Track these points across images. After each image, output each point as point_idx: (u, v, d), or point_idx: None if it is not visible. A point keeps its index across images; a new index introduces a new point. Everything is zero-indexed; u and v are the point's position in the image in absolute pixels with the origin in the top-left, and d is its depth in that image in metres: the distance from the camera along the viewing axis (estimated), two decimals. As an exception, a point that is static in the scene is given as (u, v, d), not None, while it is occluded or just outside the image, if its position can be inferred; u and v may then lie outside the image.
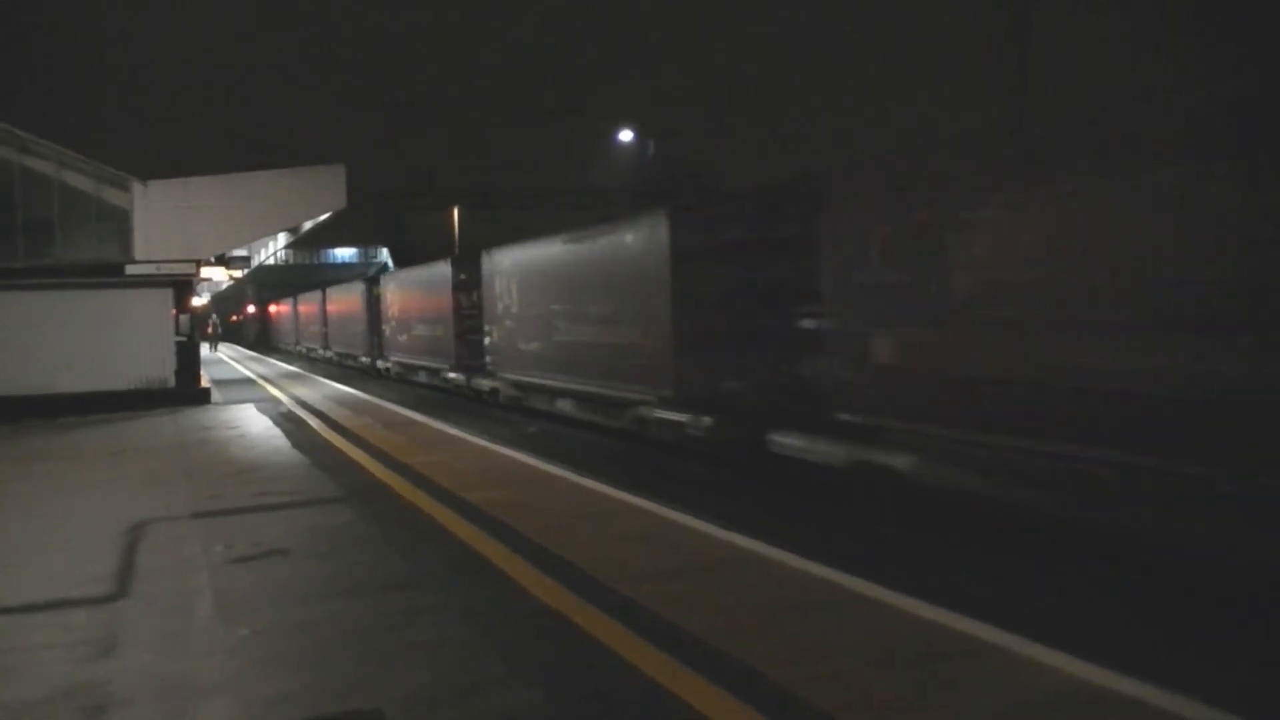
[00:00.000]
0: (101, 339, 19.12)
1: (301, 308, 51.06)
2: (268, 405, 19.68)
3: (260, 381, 27.76)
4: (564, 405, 17.93)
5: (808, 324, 11.10)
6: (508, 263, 20.56)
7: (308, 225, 28.24)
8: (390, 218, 60.45)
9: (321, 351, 43.95)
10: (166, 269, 19.62)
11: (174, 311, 19.91)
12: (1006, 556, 8.51)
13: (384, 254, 79.53)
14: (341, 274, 65.22)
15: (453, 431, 14.45)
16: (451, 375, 24.53)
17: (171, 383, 19.76)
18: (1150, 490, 7.20)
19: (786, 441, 11.37)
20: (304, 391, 23.42)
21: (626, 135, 45.72)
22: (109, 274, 19.38)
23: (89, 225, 19.65)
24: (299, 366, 38.27)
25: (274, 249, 71.96)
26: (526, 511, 8.36)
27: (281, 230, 29.42)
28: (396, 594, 6.20)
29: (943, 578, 7.39)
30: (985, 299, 8.78)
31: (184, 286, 20.22)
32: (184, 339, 20.12)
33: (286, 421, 16.60)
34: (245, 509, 9.21)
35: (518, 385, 20.19)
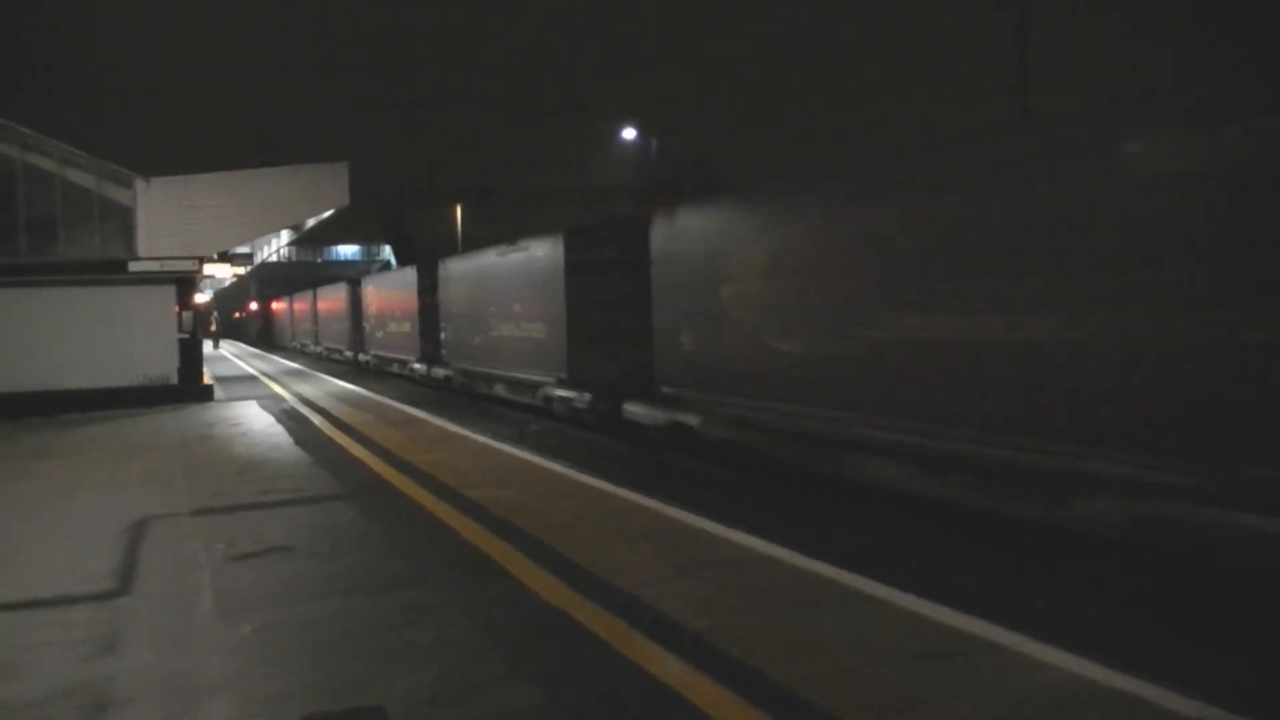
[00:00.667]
0: (104, 336, 19.14)
1: (296, 305, 57.06)
2: (270, 402, 19.70)
3: (262, 378, 27.79)
4: (499, 388, 22.06)
5: (646, 323, 14.72)
6: (458, 270, 25.06)
7: (310, 223, 28.26)
8: (392, 216, 60.50)
9: (313, 346, 48.31)
10: (169, 266, 19.63)
11: (176, 308, 19.92)
12: (1007, 556, 8.51)
13: (387, 251, 79.60)
14: (344, 271, 65.29)
15: (454, 429, 14.46)
16: (416, 366, 28.66)
17: (174, 380, 19.78)
18: (818, 430, 11.13)
19: (632, 409, 15.14)
20: (306, 389, 23.44)
21: (629, 133, 45.74)
22: (111, 271, 19.40)
23: (92, 222, 19.66)
24: (300, 363, 38.31)
25: (277, 246, 72.01)
26: (528, 510, 8.36)
27: (284, 228, 29.38)
28: (398, 592, 6.20)
29: (944, 576, 7.40)
30: (736, 305, 12.72)
31: (186, 284, 20.22)
32: (186, 336, 20.13)
33: (288, 419, 16.60)
34: (247, 506, 9.22)
35: (465, 373, 24.34)
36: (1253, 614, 6.41)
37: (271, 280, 74.98)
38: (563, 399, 17.59)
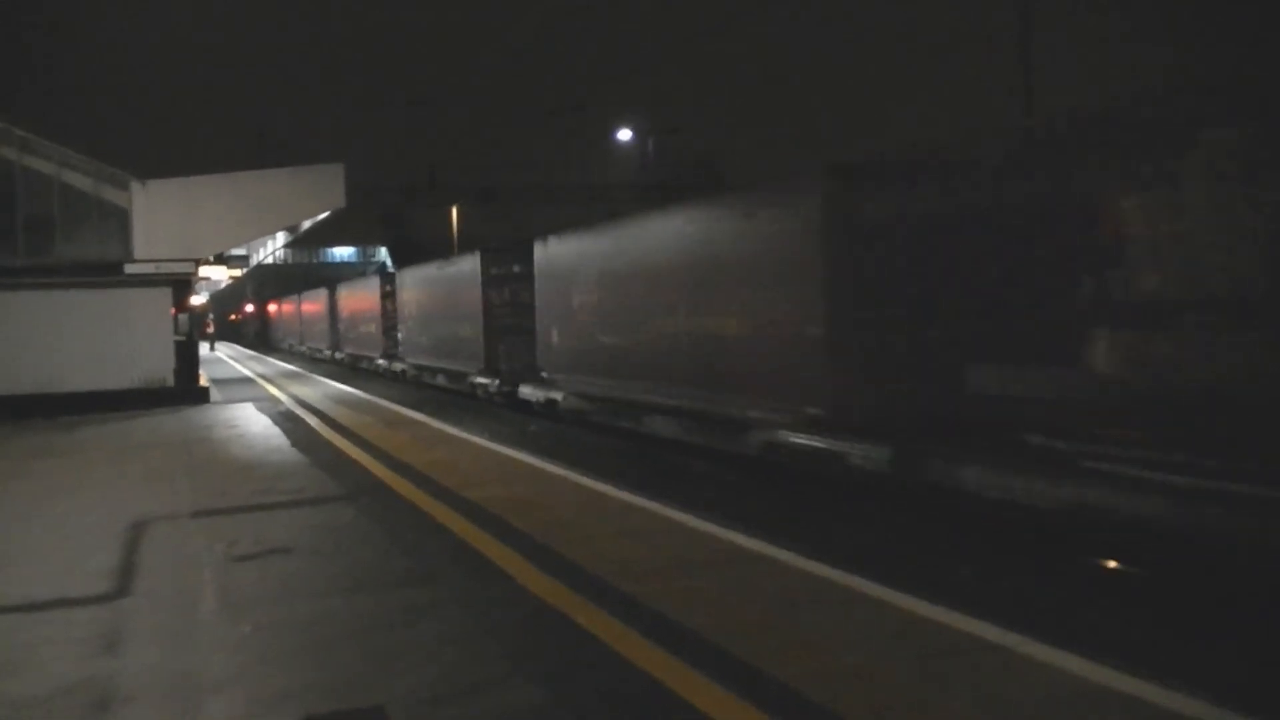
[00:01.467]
0: (101, 338, 19.13)
1: (285, 307, 60.76)
2: (266, 404, 19.70)
3: (258, 380, 27.78)
4: (440, 379, 26.69)
5: (533, 324, 19.90)
6: (409, 279, 30.17)
7: (306, 224, 28.26)
8: (392, 215, 60.51)
9: (298, 346, 52.91)
10: (165, 268, 19.63)
11: (173, 310, 19.91)
12: (1007, 554, 8.53)
13: (383, 253, 79.58)
14: (340, 273, 65.35)
15: (453, 431, 14.47)
16: (380, 361, 33.49)
17: (170, 381, 19.77)
18: (627, 398, 15.75)
19: (524, 390, 20.28)
20: (302, 390, 23.44)
21: (625, 134, 45.77)
22: (108, 273, 19.39)
23: (89, 224, 19.65)
24: (296, 365, 38.28)
25: (273, 248, 71.94)
26: (527, 510, 8.37)
27: (280, 229, 29.37)
28: (398, 592, 6.21)
29: (943, 575, 7.41)
30: (581, 311, 17.50)
31: (183, 285, 20.22)
32: (183, 338, 20.13)
33: (285, 420, 16.61)
34: (246, 508, 9.22)
35: (417, 366, 29.03)
36: (1253, 612, 6.44)
37: (267, 282, 74.97)
38: (481, 384, 22.84)
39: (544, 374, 19.23)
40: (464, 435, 13.92)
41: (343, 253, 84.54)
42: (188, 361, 20.31)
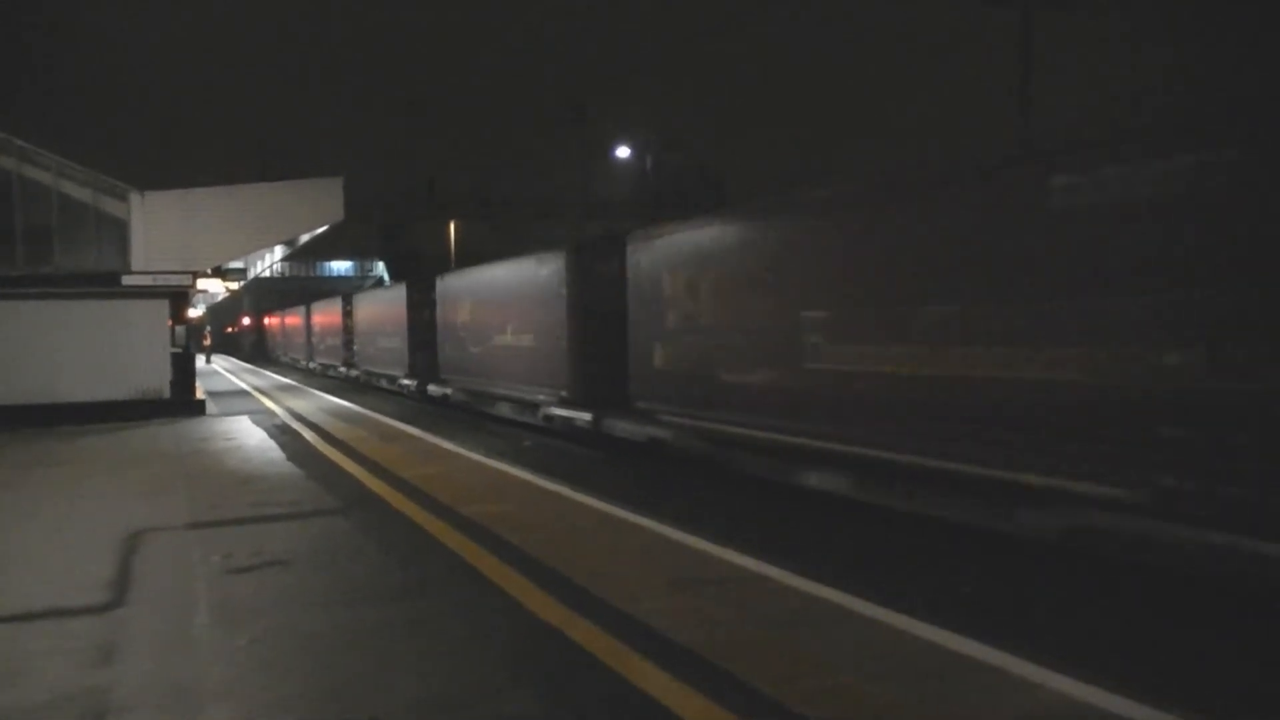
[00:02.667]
0: (98, 349, 19.13)
1: (271, 320, 64.27)
2: (262, 417, 19.70)
3: (255, 393, 27.78)
4: (382, 382, 32.34)
5: (433, 338, 26.28)
6: (360, 301, 37.23)
7: (305, 238, 28.31)
8: (390, 229, 60.57)
9: (281, 356, 56.77)
10: (163, 280, 19.65)
11: (170, 322, 19.93)
12: (1004, 570, 8.56)
13: (380, 267, 79.61)
14: (337, 286, 65.36)
15: (447, 445, 14.48)
16: (341, 369, 38.97)
17: (167, 393, 19.77)
18: (481, 389, 22.61)
19: (429, 388, 26.41)
20: (298, 404, 23.45)
21: (623, 151, 45.91)
22: (106, 284, 19.40)
23: (87, 235, 19.68)
24: (292, 378, 38.26)
25: (270, 261, 71.93)
26: (522, 526, 8.40)
27: (279, 242, 29.43)
28: (394, 605, 6.23)
29: (942, 592, 7.43)
30: (460, 329, 23.73)
31: (180, 298, 20.24)
32: (180, 350, 20.14)
33: (281, 433, 16.62)
34: (243, 520, 9.24)
35: (367, 373, 34.64)
36: (1255, 633, 6.47)
37: (265, 295, 74.92)
38: (405, 384, 29.04)
39: (442, 375, 25.76)
40: (458, 450, 13.93)
41: (340, 266, 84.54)
42: (184, 373, 20.31)
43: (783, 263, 12.11)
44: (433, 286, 26.65)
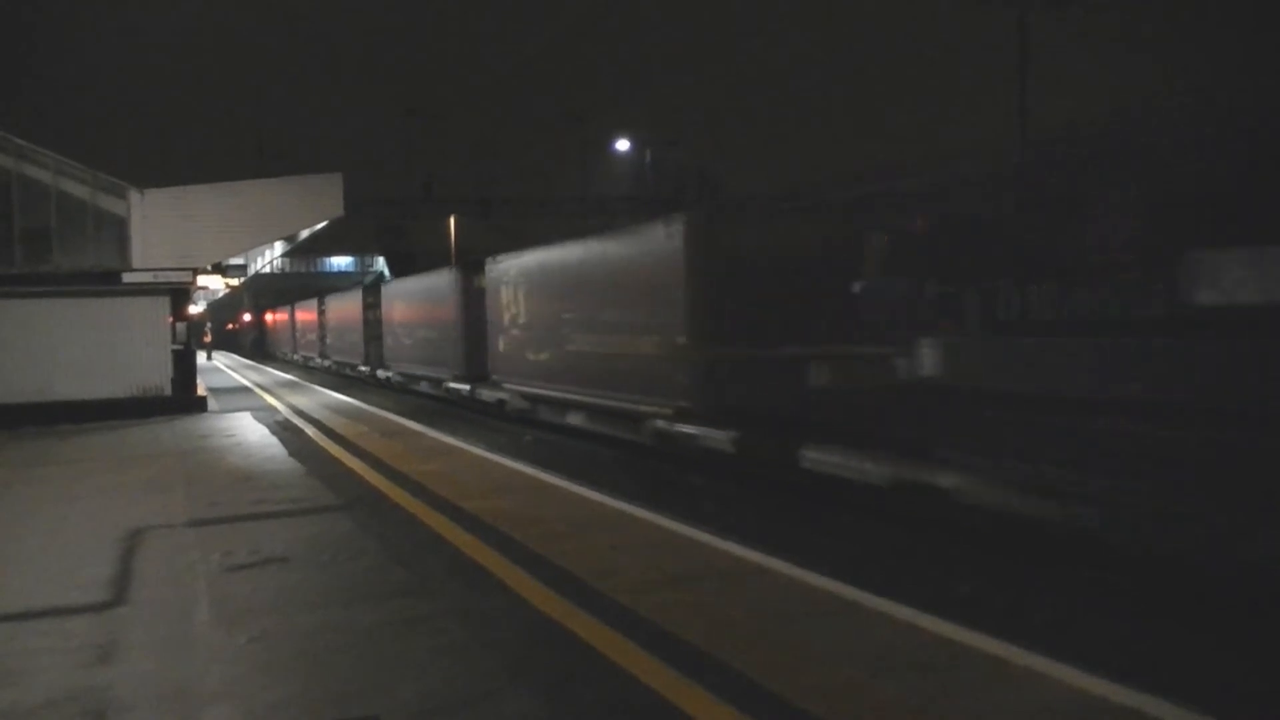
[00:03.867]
0: (98, 346, 19.12)
1: (278, 316, 64.61)
2: (264, 414, 19.68)
3: (256, 389, 27.76)
4: (346, 369, 37.84)
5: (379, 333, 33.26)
6: (330, 302, 42.99)
7: (305, 234, 28.28)
8: (390, 226, 60.53)
9: (290, 354, 56.32)
10: (163, 277, 19.63)
11: (170, 319, 19.90)
12: (1007, 565, 8.53)
13: (380, 263, 79.54)
14: (338, 282, 65.35)
15: (450, 441, 14.46)
16: (316, 359, 45.04)
17: (168, 390, 19.76)
18: (410, 372, 29.74)
19: (379, 373, 32.70)
20: (299, 400, 23.43)
21: (623, 145, 45.82)
22: (106, 282, 19.39)
23: (86, 233, 19.65)
24: (293, 374, 38.30)
25: (270, 257, 71.86)
26: (525, 521, 8.37)
27: (279, 239, 29.41)
28: (396, 602, 6.20)
29: (944, 588, 7.41)
30: (396, 324, 31.11)
31: (181, 294, 20.22)
32: (180, 347, 20.12)
33: (283, 430, 16.59)
34: (243, 517, 9.21)
35: (336, 363, 41.57)
36: (1258, 625, 6.44)
37: (265, 292, 74.89)
38: (361, 370, 35.63)
39: (387, 363, 32.09)
40: (460, 445, 13.91)
41: (340, 262, 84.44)
42: (185, 371, 20.29)
43: (550, 285, 18.77)
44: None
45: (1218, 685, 5.07)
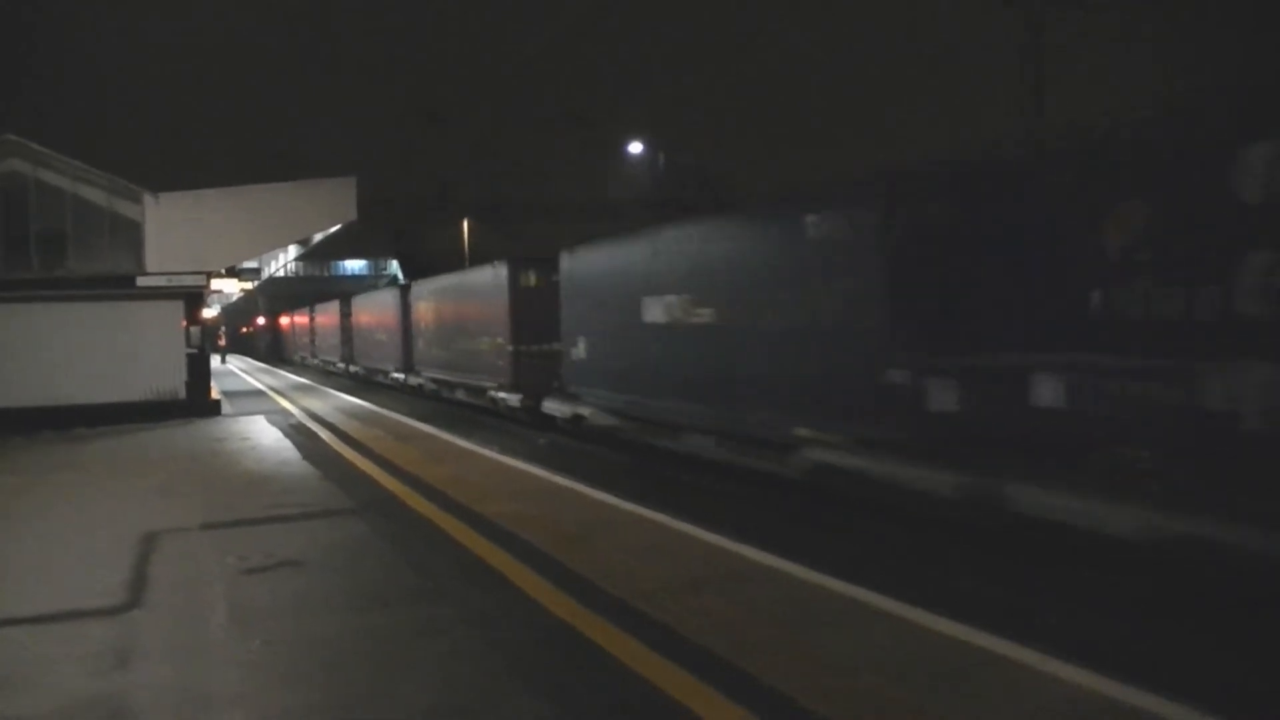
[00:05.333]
0: (113, 351, 19.20)
1: (296, 320, 65.93)
2: (278, 417, 19.73)
3: (270, 393, 27.85)
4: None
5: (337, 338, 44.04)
6: (318, 308, 49.27)
7: (318, 237, 28.43)
8: (403, 229, 60.69)
9: (308, 359, 57.96)
10: (177, 281, 19.70)
11: (184, 323, 19.98)
12: (1013, 566, 8.49)
13: (394, 266, 79.74)
14: (351, 286, 65.55)
15: (463, 444, 14.47)
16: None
17: (182, 394, 19.82)
18: (379, 368, 35.96)
19: (351, 368, 41.13)
20: (313, 403, 23.49)
21: (636, 147, 45.80)
22: (120, 286, 19.46)
23: (101, 238, 19.75)
24: (307, 378, 38.45)
25: (284, 261, 72.12)
26: (538, 525, 8.37)
27: (292, 242, 29.62)
28: (410, 607, 6.20)
29: (948, 584, 7.38)
30: (365, 329, 38.61)
31: (194, 298, 20.29)
32: (194, 351, 20.19)
33: (297, 433, 16.63)
34: (258, 520, 9.23)
35: (323, 361, 47.84)
36: (1258, 625, 6.39)
37: (279, 295, 75.18)
38: (339, 366, 42.56)
39: (356, 359, 40.32)
40: (475, 449, 13.92)
41: (354, 265, 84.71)
42: (199, 374, 20.35)
43: (448, 303, 26.30)
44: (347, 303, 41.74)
45: (1218, 685, 5.03)
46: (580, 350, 17.78)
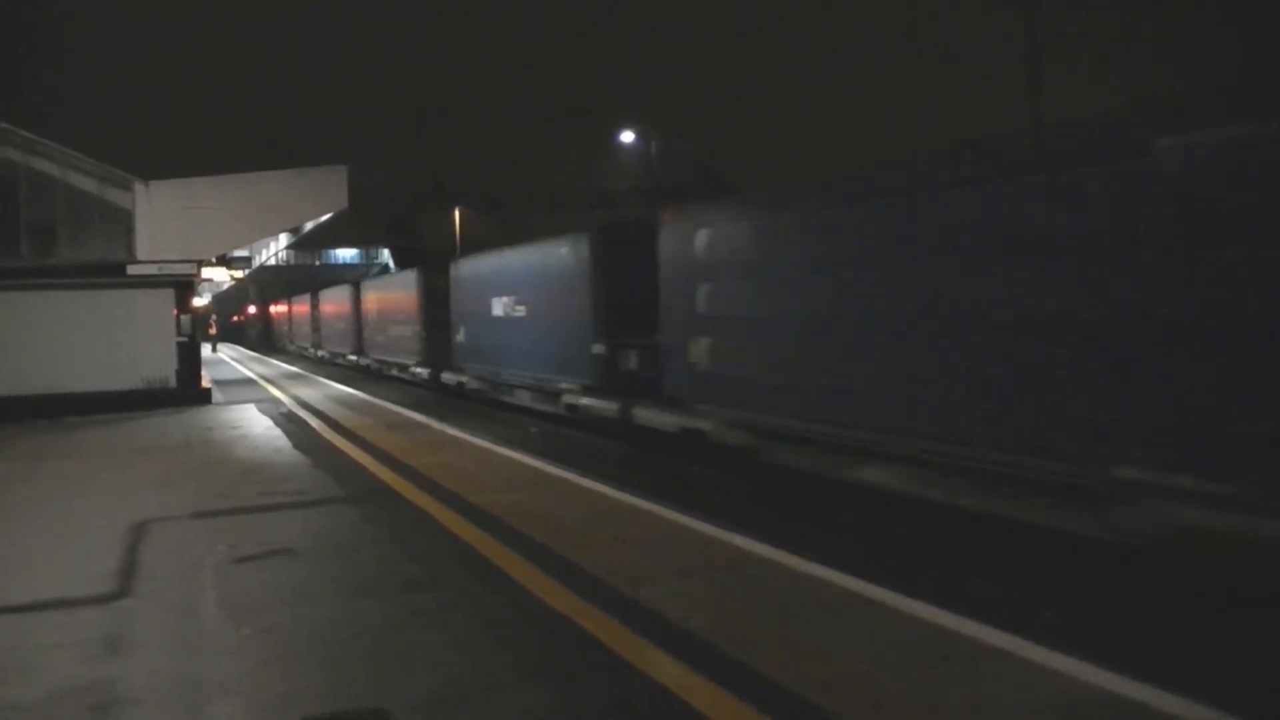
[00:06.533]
0: (103, 339, 19.15)
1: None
2: (269, 405, 19.69)
3: (261, 382, 27.79)
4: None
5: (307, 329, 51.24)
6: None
7: (309, 226, 28.40)
8: (396, 219, 60.57)
9: (309, 350, 58.09)
10: (168, 269, 19.65)
11: (175, 312, 19.92)
12: (1017, 564, 8.52)
13: (385, 255, 79.54)
14: (343, 275, 65.41)
15: (456, 433, 14.44)
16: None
17: (173, 383, 19.77)
18: (339, 353, 42.26)
19: (317, 353, 47.23)
20: (305, 392, 23.44)
21: (628, 136, 45.70)
22: (111, 274, 19.41)
23: (92, 226, 19.67)
24: (299, 366, 38.38)
25: (275, 249, 71.93)
26: (532, 515, 8.36)
27: (283, 231, 29.58)
28: (402, 595, 6.19)
29: (954, 584, 7.39)
30: (330, 319, 44.72)
31: (185, 287, 20.22)
32: (185, 339, 20.13)
33: (288, 422, 16.60)
34: (249, 509, 9.21)
35: (298, 347, 50.01)
36: (1258, 625, 6.41)
37: (270, 284, 75.00)
38: (311, 352, 46.12)
39: (322, 345, 45.36)
40: (468, 438, 13.89)
41: (346, 254, 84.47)
42: (190, 363, 20.31)
43: (386, 298, 32.14)
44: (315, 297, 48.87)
45: (1218, 685, 5.03)
46: (461, 336, 24.43)
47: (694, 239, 13.64)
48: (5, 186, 19.05)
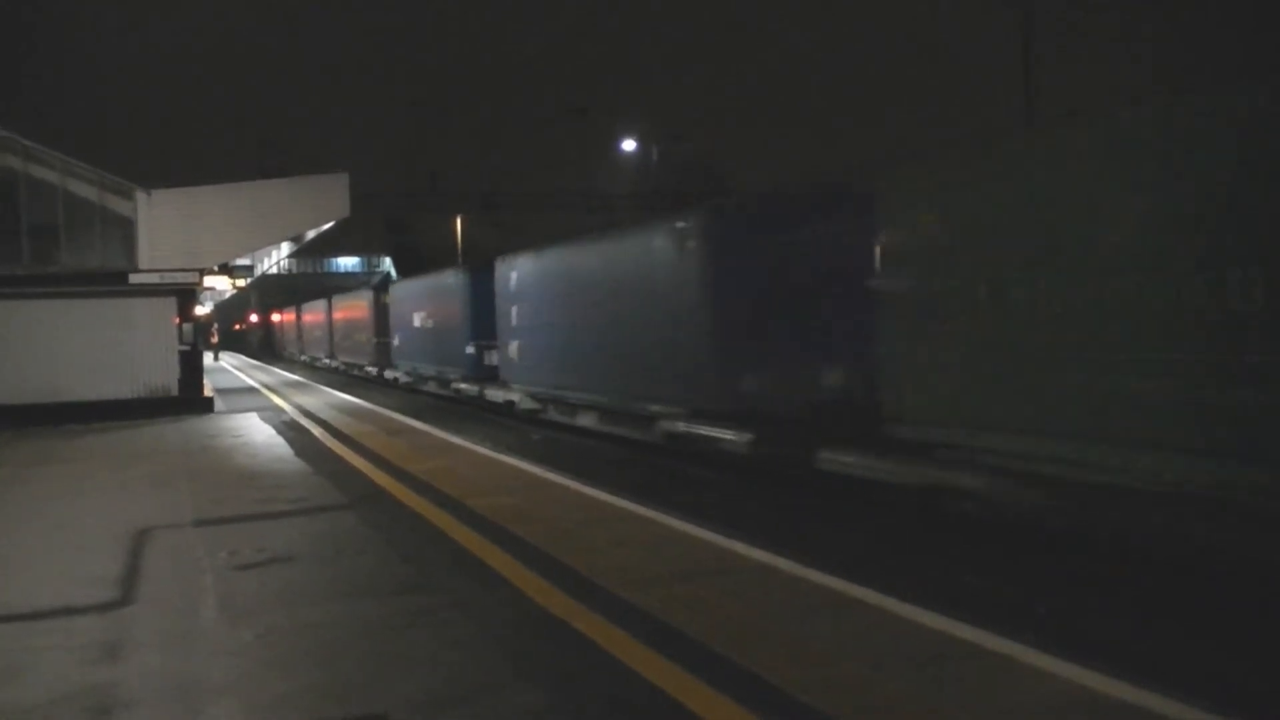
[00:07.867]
0: (105, 347, 19.17)
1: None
2: (270, 414, 19.71)
3: (263, 390, 27.82)
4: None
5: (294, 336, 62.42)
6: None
7: (311, 234, 28.37)
8: (396, 225, 60.70)
9: (321, 358, 60.31)
10: (170, 278, 19.67)
11: (177, 320, 19.95)
12: (1011, 561, 8.52)
13: (387, 263, 79.62)
14: (344, 283, 65.48)
15: (455, 439, 14.47)
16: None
17: (175, 391, 19.80)
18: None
19: (303, 359, 55.54)
20: (306, 400, 23.47)
21: (629, 144, 45.76)
22: (113, 282, 19.44)
23: (93, 234, 19.71)
24: (300, 375, 38.44)
25: (277, 258, 71.95)
26: (529, 518, 8.38)
27: (285, 239, 29.54)
28: (400, 599, 6.21)
29: (947, 580, 7.40)
30: (313, 328, 53.71)
31: (187, 295, 20.26)
32: (187, 348, 20.15)
33: (289, 429, 16.62)
34: (249, 516, 9.23)
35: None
36: (1258, 625, 6.42)
37: (272, 292, 75.00)
38: (297, 357, 53.69)
39: (305, 352, 51.44)
40: (465, 444, 13.92)
41: (347, 263, 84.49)
42: (192, 371, 20.34)
43: (351, 309, 41.33)
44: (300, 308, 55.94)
45: (1218, 685, 5.04)
46: (397, 341, 32.27)
47: (510, 275, 21.01)
48: (6, 194, 19.08)
